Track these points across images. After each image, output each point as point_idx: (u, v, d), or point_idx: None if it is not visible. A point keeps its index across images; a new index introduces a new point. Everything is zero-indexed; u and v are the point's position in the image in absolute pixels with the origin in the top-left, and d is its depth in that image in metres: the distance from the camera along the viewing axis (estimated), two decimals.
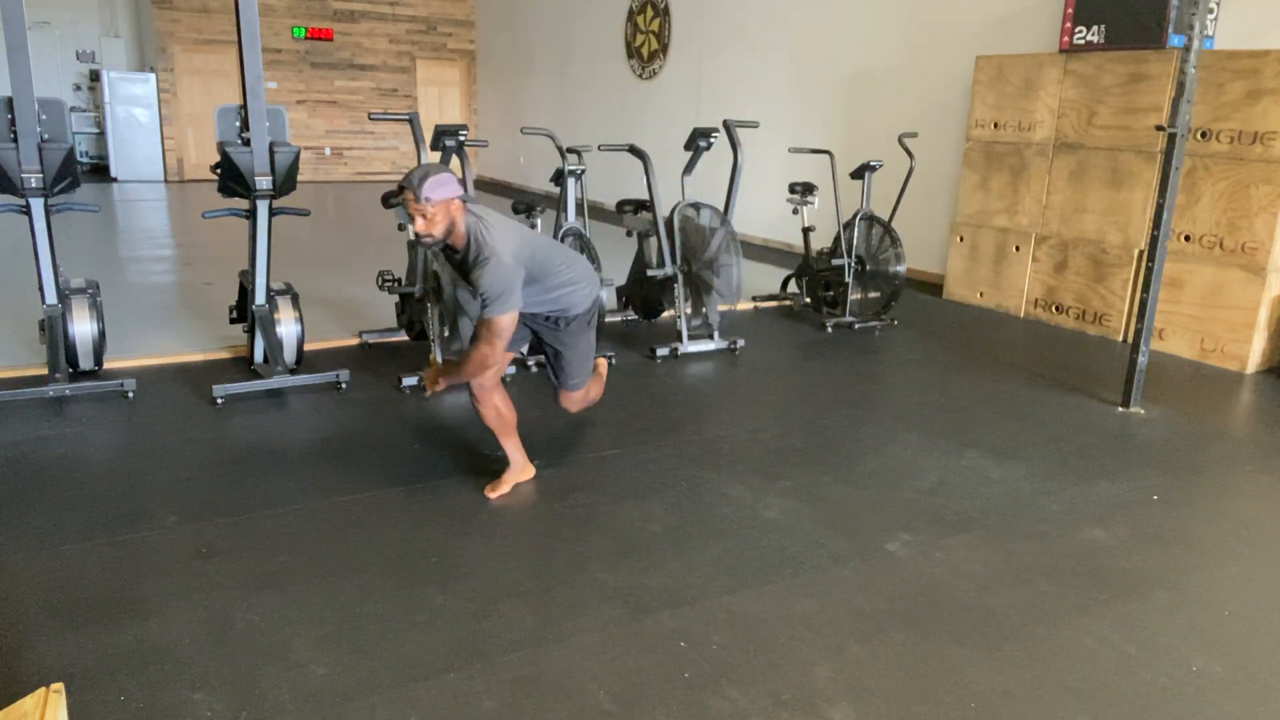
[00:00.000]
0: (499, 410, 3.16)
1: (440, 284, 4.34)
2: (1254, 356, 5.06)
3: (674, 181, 5.58)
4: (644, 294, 5.36)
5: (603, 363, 3.63)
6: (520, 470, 3.26)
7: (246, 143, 3.91)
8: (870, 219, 5.75)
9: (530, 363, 4.67)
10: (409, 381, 4.26)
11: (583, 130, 11.79)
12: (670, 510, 3.09)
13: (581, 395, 3.29)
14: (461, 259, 2.91)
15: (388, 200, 4.80)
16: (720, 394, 4.39)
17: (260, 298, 4.19)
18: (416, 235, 2.83)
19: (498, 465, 3.38)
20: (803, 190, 5.76)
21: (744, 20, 9.06)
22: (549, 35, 12.64)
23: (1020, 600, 2.59)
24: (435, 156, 4.50)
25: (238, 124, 3.96)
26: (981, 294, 6.50)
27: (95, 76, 12.94)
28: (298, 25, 13.42)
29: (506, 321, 2.84)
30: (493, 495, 3.16)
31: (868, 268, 5.80)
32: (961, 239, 6.59)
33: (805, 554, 2.82)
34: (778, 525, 3.00)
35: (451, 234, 2.85)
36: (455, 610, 2.45)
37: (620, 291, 5.54)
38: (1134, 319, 4.38)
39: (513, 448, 3.23)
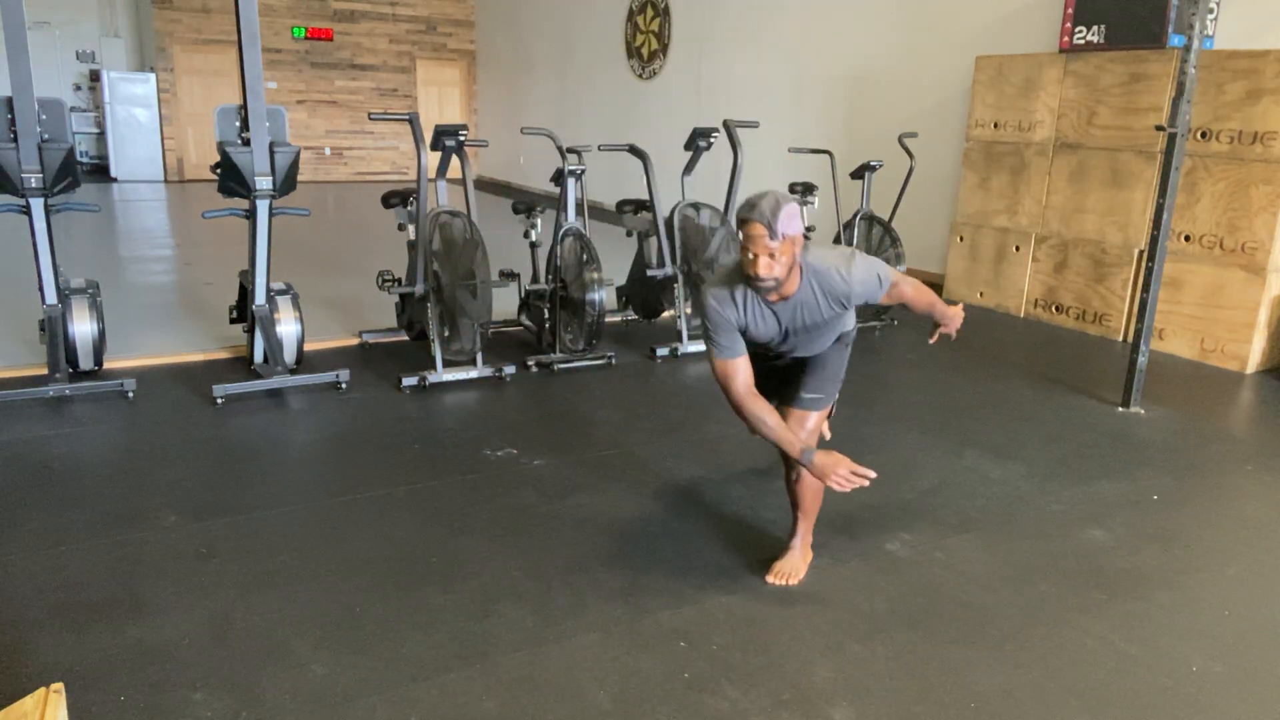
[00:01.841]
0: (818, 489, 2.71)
1: (440, 284, 4.34)
2: (1254, 356, 5.06)
3: (674, 181, 5.58)
4: (644, 294, 5.36)
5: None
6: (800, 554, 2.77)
7: (246, 143, 3.91)
8: (870, 219, 5.75)
9: (530, 362, 4.66)
10: (409, 381, 4.26)
11: (583, 130, 11.79)
12: (670, 510, 3.09)
13: (813, 428, 2.71)
14: (791, 305, 2.46)
15: (388, 200, 4.81)
16: (720, 394, 4.39)
17: (260, 298, 4.19)
18: (752, 277, 2.33)
19: (499, 464, 3.38)
20: (803, 190, 5.76)
21: (744, 20, 9.06)
22: (549, 35, 12.63)
23: (1020, 600, 2.59)
24: (435, 156, 4.50)
25: (238, 124, 3.96)
26: (981, 294, 6.50)
27: (95, 76, 12.94)
28: (298, 25, 13.42)
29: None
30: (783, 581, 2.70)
31: None
32: (961, 239, 6.58)
33: None
34: (778, 525, 2.99)
35: (788, 277, 2.38)
36: (455, 610, 2.45)
37: (620, 291, 5.54)
38: (1134, 319, 4.38)
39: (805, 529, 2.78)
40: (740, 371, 2.47)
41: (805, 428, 2.68)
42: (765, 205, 2.30)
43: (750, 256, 2.33)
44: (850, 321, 2.72)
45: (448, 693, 2.11)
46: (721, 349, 2.48)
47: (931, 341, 2.93)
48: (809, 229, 5.99)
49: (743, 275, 2.43)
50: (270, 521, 2.92)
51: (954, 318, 2.85)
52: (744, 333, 2.51)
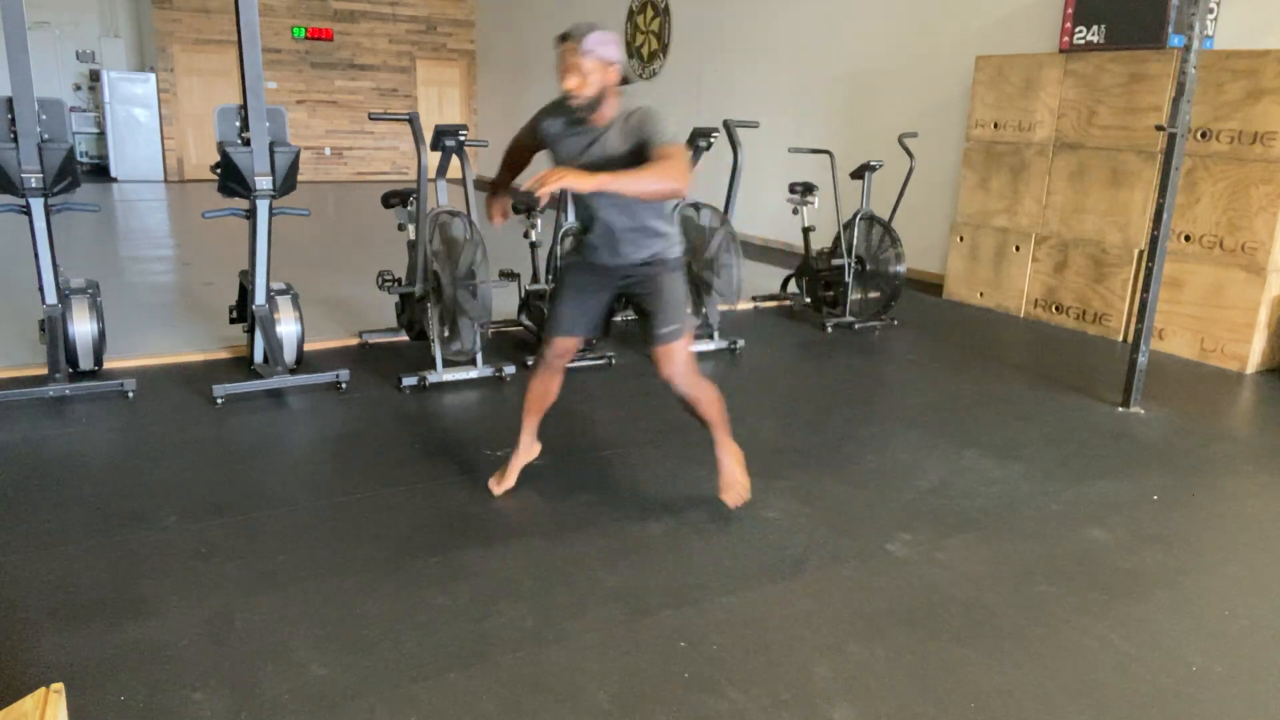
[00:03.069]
0: (547, 389, 3.08)
1: (440, 284, 4.34)
2: (1254, 356, 5.06)
3: None
4: None
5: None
6: (525, 451, 3.21)
7: (246, 143, 3.91)
8: (870, 219, 5.75)
9: (530, 362, 4.66)
10: (409, 381, 4.26)
11: None
12: (670, 510, 3.09)
13: (687, 359, 2.87)
14: (598, 133, 2.70)
15: (388, 200, 4.81)
16: (720, 394, 4.39)
17: (260, 298, 4.19)
18: (565, 93, 2.59)
19: (499, 466, 3.38)
20: (803, 190, 5.76)
21: (744, 20, 9.06)
22: (549, 35, 12.63)
23: (1020, 600, 2.59)
24: (435, 156, 4.50)
25: (238, 124, 3.96)
26: (981, 294, 6.50)
27: (95, 76, 12.94)
28: (298, 25, 13.43)
29: (684, 149, 2.62)
30: (498, 489, 3.15)
31: (868, 268, 5.80)
32: (961, 239, 6.59)
33: (805, 554, 2.82)
34: (778, 525, 3.00)
35: (599, 106, 2.62)
36: (455, 610, 2.45)
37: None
38: (1134, 319, 4.38)
39: (531, 426, 3.19)
40: (515, 147, 3.09)
41: (677, 363, 2.85)
42: (582, 26, 2.57)
43: (562, 72, 2.57)
44: (674, 248, 2.92)
45: (448, 693, 2.11)
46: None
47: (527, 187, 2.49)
48: (808, 229, 6.00)
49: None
50: (270, 521, 2.92)
51: (554, 180, 2.49)
52: (553, 153, 2.86)
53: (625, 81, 2.70)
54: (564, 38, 2.57)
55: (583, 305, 2.98)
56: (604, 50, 2.56)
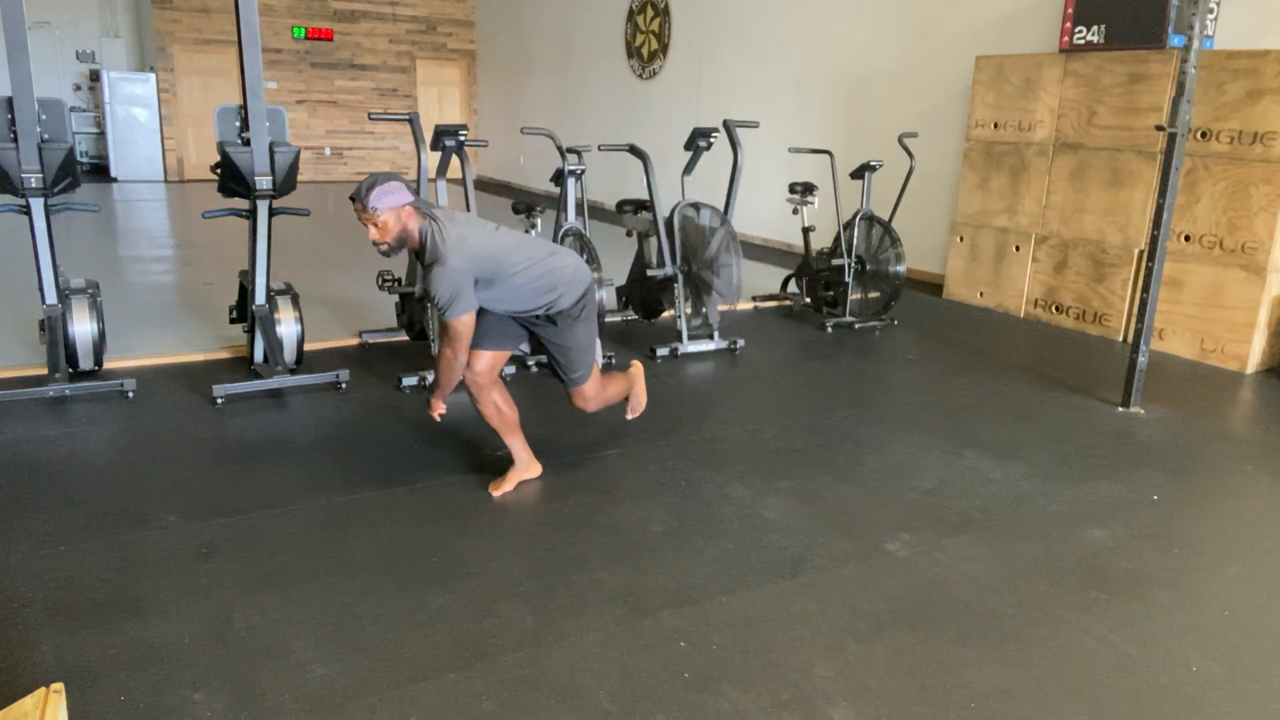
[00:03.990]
0: (499, 408, 3.16)
1: None
2: (1254, 356, 5.06)
3: (674, 181, 5.58)
4: (644, 294, 5.36)
5: (637, 364, 3.58)
6: (525, 468, 3.26)
7: (246, 143, 3.91)
8: (870, 219, 5.75)
9: (531, 363, 4.67)
10: (409, 381, 4.26)
11: (583, 130, 11.79)
12: (670, 510, 3.09)
13: (596, 391, 3.22)
14: (421, 262, 2.95)
15: None
16: (720, 394, 4.39)
17: (260, 298, 4.19)
18: (374, 243, 2.90)
19: (500, 464, 3.38)
20: (803, 190, 5.76)
21: (744, 20, 9.06)
22: (549, 35, 12.63)
23: (1020, 600, 2.59)
24: (435, 156, 4.50)
25: (238, 124, 3.96)
26: (981, 294, 6.50)
27: (95, 76, 12.94)
28: (298, 25, 13.43)
29: (462, 325, 2.86)
30: (496, 493, 3.16)
31: (868, 268, 5.81)
32: (961, 239, 6.59)
33: (805, 554, 2.82)
34: (778, 525, 3.00)
35: (407, 241, 2.90)
36: (455, 610, 2.45)
37: (620, 291, 5.54)
38: (1134, 319, 4.38)
39: (517, 445, 3.24)
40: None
41: (588, 397, 3.21)
42: (363, 185, 2.83)
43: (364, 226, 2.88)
44: (565, 300, 3.03)
45: (448, 693, 2.11)
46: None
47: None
48: (808, 229, 6.00)
49: None
50: (270, 521, 2.92)
51: (434, 408, 3.09)
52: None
53: (418, 196, 3.02)
54: (352, 199, 2.88)
55: (500, 335, 3.13)
56: (387, 201, 2.81)
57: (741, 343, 5.15)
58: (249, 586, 2.53)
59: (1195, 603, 2.62)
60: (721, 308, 5.24)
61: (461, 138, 4.41)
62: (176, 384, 4.22)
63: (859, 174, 5.79)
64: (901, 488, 3.34)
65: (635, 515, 3.04)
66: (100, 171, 13.04)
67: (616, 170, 10.83)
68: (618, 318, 5.59)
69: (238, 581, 2.56)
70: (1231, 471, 3.62)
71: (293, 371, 4.23)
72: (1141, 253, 5.53)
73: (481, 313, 3.02)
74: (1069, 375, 4.87)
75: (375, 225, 2.83)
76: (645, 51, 10.56)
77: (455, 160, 4.48)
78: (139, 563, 2.64)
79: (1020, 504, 3.24)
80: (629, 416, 3.57)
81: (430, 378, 4.28)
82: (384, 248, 2.89)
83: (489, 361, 3.07)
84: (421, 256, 2.91)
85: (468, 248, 2.85)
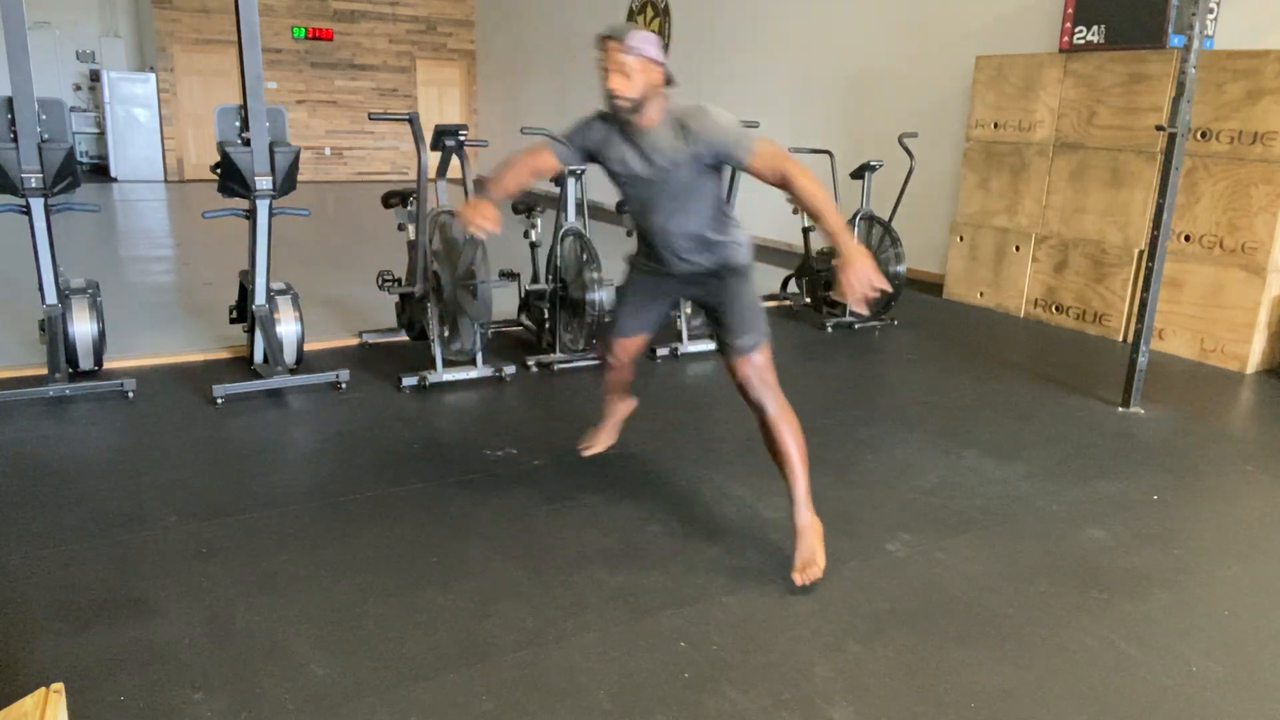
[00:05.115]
0: (620, 377, 3.21)
1: (440, 284, 4.34)
2: (1254, 356, 5.06)
3: None
4: None
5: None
6: (614, 419, 3.39)
7: (246, 143, 3.91)
8: (870, 219, 5.75)
9: (530, 362, 4.67)
10: (409, 381, 4.26)
11: None
12: (670, 510, 3.09)
13: (763, 364, 2.71)
14: (649, 139, 2.57)
15: (388, 200, 4.81)
16: (720, 394, 4.39)
17: (260, 298, 4.19)
18: (608, 93, 2.46)
19: (499, 464, 3.38)
20: None
21: (744, 20, 9.06)
22: (549, 35, 12.63)
23: (1020, 600, 2.59)
24: (435, 156, 4.50)
25: (238, 124, 3.96)
26: (981, 294, 6.50)
27: (95, 76, 12.94)
28: (298, 25, 13.43)
29: (770, 142, 2.47)
30: (587, 452, 3.38)
31: None
32: (961, 239, 6.59)
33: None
34: (778, 525, 2.99)
35: (645, 104, 2.50)
36: (455, 610, 2.45)
37: (620, 291, 5.53)
38: (1134, 319, 4.38)
39: (613, 402, 3.35)
40: (542, 151, 2.68)
41: (756, 373, 2.70)
42: (622, 26, 2.46)
43: (604, 73, 2.45)
44: (741, 251, 2.73)
45: (448, 693, 2.11)
46: (550, 139, 2.68)
47: (836, 297, 2.43)
48: (808, 229, 6.00)
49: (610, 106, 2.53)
50: (270, 521, 2.92)
51: (853, 276, 2.28)
52: (602, 160, 2.67)
53: (669, 82, 2.58)
54: (606, 37, 2.46)
55: (643, 312, 3.00)
56: (648, 49, 2.46)
57: None
58: (249, 586, 2.53)
59: (1195, 603, 2.62)
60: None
61: (461, 138, 4.41)
62: (176, 384, 4.22)
63: (859, 174, 5.79)
64: (901, 488, 3.34)
65: (635, 515, 3.04)
66: (100, 171, 13.04)
67: None
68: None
69: (238, 581, 2.56)
70: (1231, 471, 3.62)
71: (293, 371, 4.23)
72: (1141, 253, 5.53)
73: (632, 296, 2.97)
74: (1069, 375, 4.87)
75: (623, 72, 2.43)
76: None
77: (455, 160, 4.47)
78: (139, 563, 2.64)
79: (1020, 504, 3.24)
80: (794, 574, 2.64)
81: (428, 378, 4.28)
82: (623, 99, 2.46)
83: (628, 346, 3.07)
84: (654, 132, 2.53)
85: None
